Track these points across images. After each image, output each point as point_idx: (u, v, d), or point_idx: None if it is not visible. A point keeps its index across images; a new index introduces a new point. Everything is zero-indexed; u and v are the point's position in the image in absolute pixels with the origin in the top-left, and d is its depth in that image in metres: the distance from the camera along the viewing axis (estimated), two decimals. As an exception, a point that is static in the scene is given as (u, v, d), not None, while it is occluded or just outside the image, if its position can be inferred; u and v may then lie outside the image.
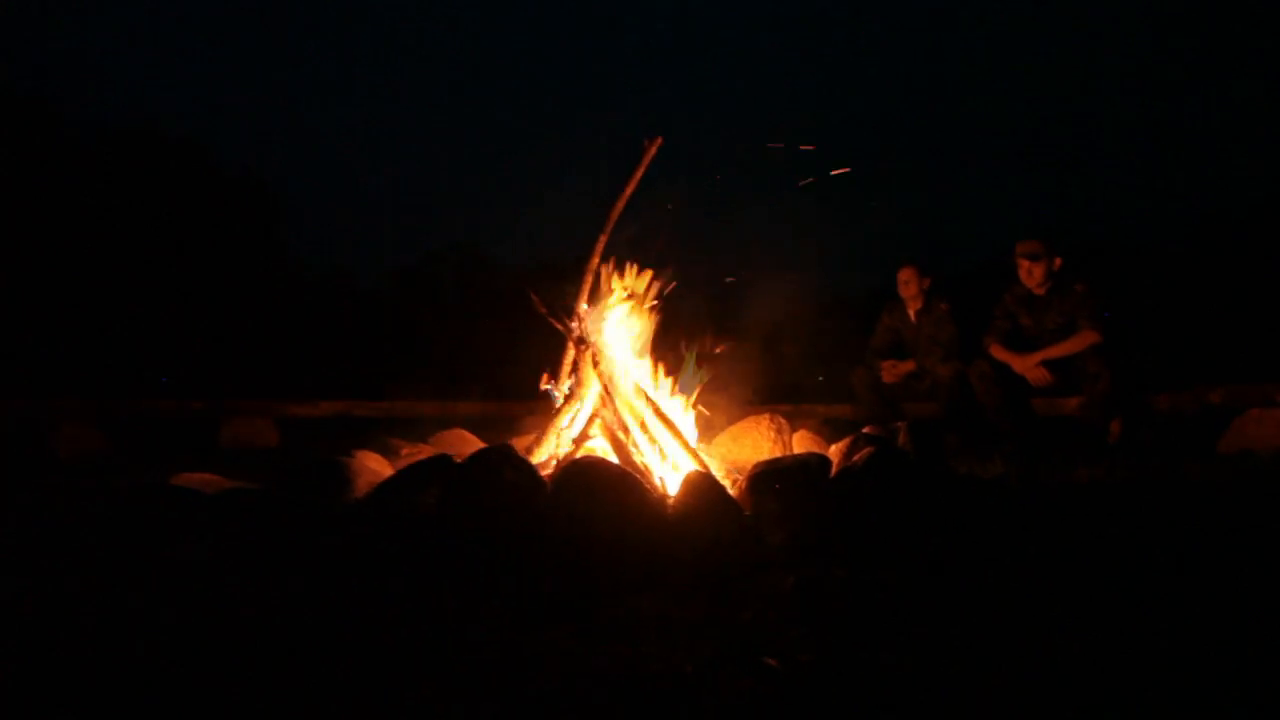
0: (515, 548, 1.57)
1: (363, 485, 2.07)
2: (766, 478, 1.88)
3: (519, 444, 3.23)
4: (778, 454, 3.31)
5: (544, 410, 4.28)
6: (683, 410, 3.07)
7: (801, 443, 3.41)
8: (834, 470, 2.09)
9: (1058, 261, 4.22)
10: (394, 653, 1.15)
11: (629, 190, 2.66)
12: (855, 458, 2.03)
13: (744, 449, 3.36)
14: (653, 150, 2.63)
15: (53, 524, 2.28)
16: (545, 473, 2.18)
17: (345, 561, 1.66)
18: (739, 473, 2.84)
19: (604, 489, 1.71)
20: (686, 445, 2.53)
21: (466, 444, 3.45)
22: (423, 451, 3.09)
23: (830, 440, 3.60)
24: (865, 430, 2.45)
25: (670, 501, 1.82)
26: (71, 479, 3.28)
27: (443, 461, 1.85)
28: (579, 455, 2.40)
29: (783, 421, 3.53)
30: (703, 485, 1.80)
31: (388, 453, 2.92)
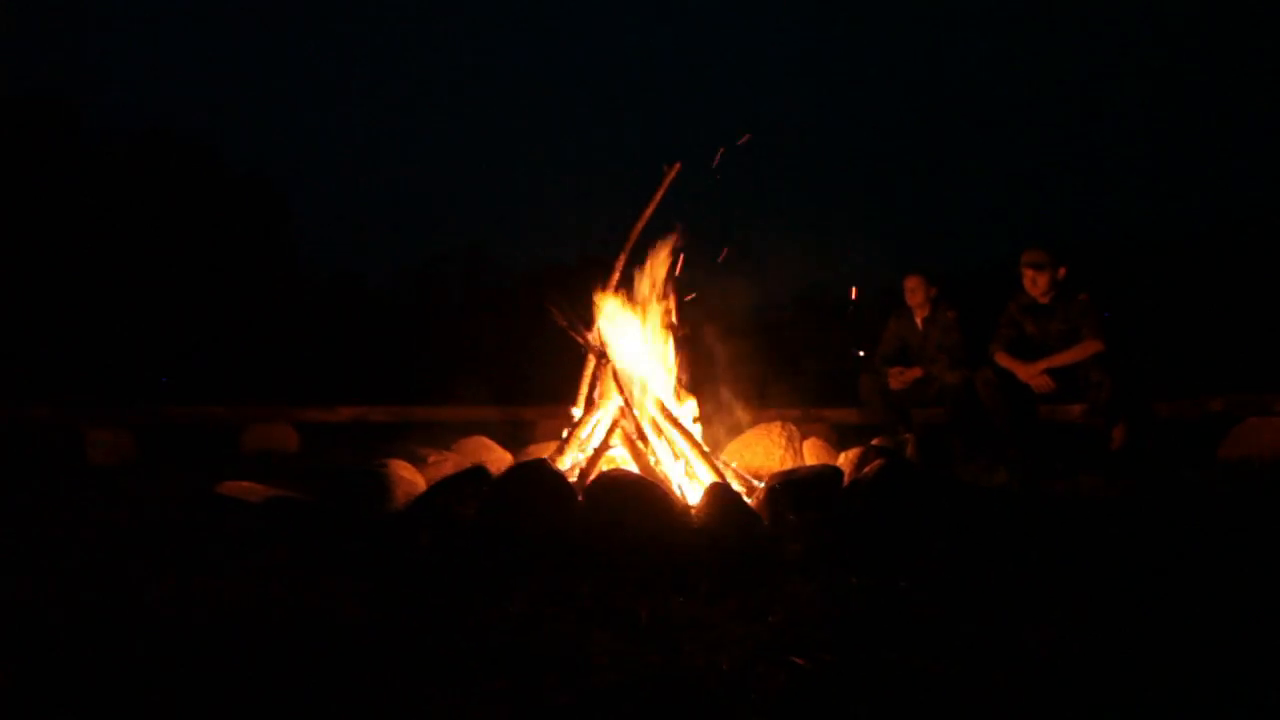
0: (553, 555, 1.69)
1: (401, 495, 2.19)
2: (783, 490, 2.00)
3: (541, 452, 3.36)
4: (788, 461, 3.43)
5: (557, 415, 4.40)
6: (696, 418, 3.19)
7: (812, 450, 3.52)
8: (846, 481, 2.20)
9: (1062, 271, 4.32)
10: (447, 654, 1.27)
11: (648, 212, 2.78)
12: (866, 469, 2.15)
13: (756, 455, 3.48)
14: (671, 175, 2.74)
15: (105, 529, 2.41)
16: (570, 481, 2.30)
17: (391, 567, 1.78)
18: (754, 478, 2.96)
19: (632, 500, 1.83)
20: (703, 454, 2.65)
21: (488, 451, 3.58)
22: (449, 459, 3.22)
23: (839, 446, 3.72)
24: (875, 442, 2.56)
25: (694, 511, 1.94)
26: (110, 485, 3.42)
27: (480, 474, 1.97)
28: (604, 467, 2.52)
29: (793, 429, 3.64)
30: (723, 497, 1.92)
31: (414, 460, 3.05)
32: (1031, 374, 4.17)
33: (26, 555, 2.00)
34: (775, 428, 3.60)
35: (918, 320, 4.85)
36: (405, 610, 1.52)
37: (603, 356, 2.85)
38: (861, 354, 5.48)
